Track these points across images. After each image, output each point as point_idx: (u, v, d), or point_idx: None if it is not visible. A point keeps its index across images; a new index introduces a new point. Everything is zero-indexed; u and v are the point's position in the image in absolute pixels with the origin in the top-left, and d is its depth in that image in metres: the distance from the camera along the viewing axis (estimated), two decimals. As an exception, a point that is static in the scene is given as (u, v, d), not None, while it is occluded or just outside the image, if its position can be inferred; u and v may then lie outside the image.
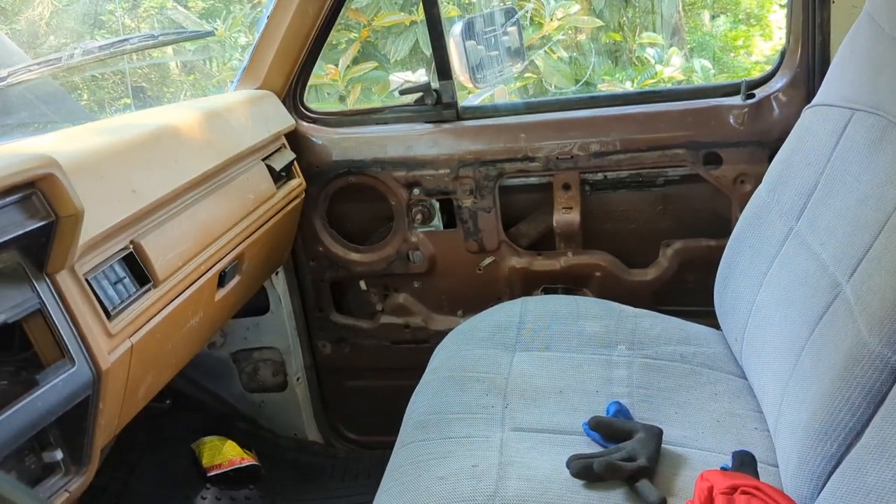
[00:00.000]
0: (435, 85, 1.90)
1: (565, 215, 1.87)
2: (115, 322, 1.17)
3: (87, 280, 1.13)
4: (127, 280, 1.22)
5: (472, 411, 1.31)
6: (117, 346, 1.17)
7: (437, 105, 1.91)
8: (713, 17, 6.27)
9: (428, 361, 1.57)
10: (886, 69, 1.14)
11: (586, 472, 1.10)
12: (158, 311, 1.30)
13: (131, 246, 1.24)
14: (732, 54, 5.95)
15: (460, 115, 1.91)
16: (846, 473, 0.91)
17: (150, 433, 1.99)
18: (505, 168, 1.88)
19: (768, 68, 1.82)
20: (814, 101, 1.37)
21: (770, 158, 1.49)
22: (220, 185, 1.55)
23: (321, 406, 2.20)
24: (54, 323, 1.05)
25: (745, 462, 1.13)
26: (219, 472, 1.93)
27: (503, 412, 1.30)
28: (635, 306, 1.62)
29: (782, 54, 1.75)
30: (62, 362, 1.06)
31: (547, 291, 1.97)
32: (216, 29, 5.43)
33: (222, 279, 1.56)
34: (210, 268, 1.47)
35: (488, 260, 1.97)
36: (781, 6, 5.84)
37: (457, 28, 1.88)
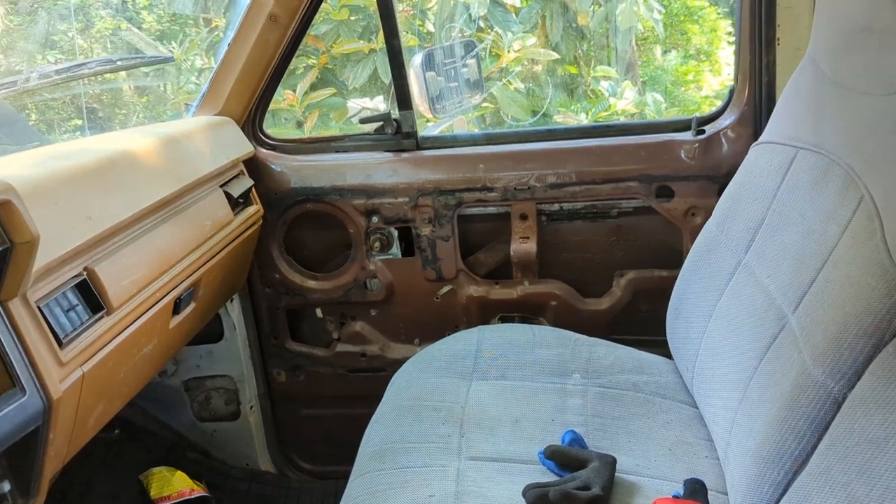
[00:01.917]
0: (395, 114, 1.92)
1: (522, 245, 1.90)
2: (67, 350, 1.15)
3: (39, 308, 1.11)
4: (80, 307, 1.20)
5: (429, 440, 1.31)
6: (69, 374, 1.15)
7: (397, 134, 1.92)
8: (665, 52, 6.46)
9: (384, 390, 1.57)
10: (828, 110, 1.20)
11: (542, 501, 1.10)
12: (111, 339, 1.27)
13: (85, 273, 1.22)
14: (683, 88, 6.12)
15: (420, 144, 1.93)
16: (792, 500, 0.94)
17: (97, 464, 1.94)
18: (464, 197, 1.90)
19: (718, 103, 1.88)
20: (760, 139, 1.42)
21: (720, 192, 1.54)
22: (178, 212, 1.53)
23: (274, 435, 2.17)
24: (5, 351, 1.02)
25: (696, 490, 1.15)
26: (168, 503, 1.89)
27: (460, 441, 1.31)
28: (590, 335, 1.64)
29: (731, 93, 1.81)
30: (13, 391, 1.03)
31: (504, 320, 1.98)
32: (173, 53, 5.40)
33: (177, 306, 1.54)
34: (165, 295, 1.45)
35: (446, 288, 1.98)
36: (730, 43, 6.04)
37: (417, 59, 1.91)
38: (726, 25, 6.24)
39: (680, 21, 6.43)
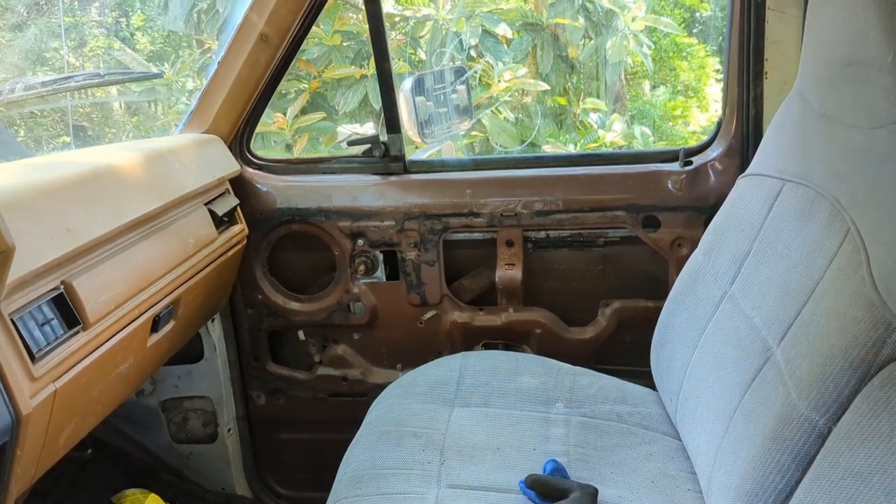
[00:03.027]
0: (383, 138, 1.91)
1: (508, 271, 1.89)
2: (40, 365, 1.12)
3: (12, 320, 1.09)
4: (55, 322, 1.17)
5: (408, 467, 1.29)
6: (40, 390, 1.12)
7: (385, 157, 1.92)
8: (653, 87, 6.54)
9: (365, 415, 1.55)
10: (815, 143, 1.20)
11: (522, 531, 1.08)
12: (86, 356, 1.25)
13: (62, 286, 1.20)
14: (671, 123, 6.18)
15: (407, 168, 1.93)
16: (776, 536, 0.93)
17: (68, 484, 1.89)
18: (450, 222, 1.89)
19: (705, 138, 1.89)
20: (747, 171, 1.42)
21: (706, 223, 1.54)
22: (160, 228, 1.51)
23: (252, 459, 2.13)
24: (-26, 364, 1.00)
25: (678, 523, 1.13)
26: (140, 527, 1.84)
27: (439, 468, 1.29)
28: (574, 364, 1.63)
29: (718, 125, 1.82)
30: (-21, 406, 1.00)
31: (487, 347, 1.97)
32: (164, 72, 5.40)
33: (156, 324, 1.51)
34: (144, 312, 1.42)
35: (430, 314, 1.96)
36: (718, 80, 6.12)
37: (407, 83, 1.91)
38: (714, 63, 6.34)
39: (669, 57, 6.52)
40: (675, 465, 1.32)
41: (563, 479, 1.23)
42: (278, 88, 1.94)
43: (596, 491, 1.19)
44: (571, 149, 5.01)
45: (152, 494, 1.91)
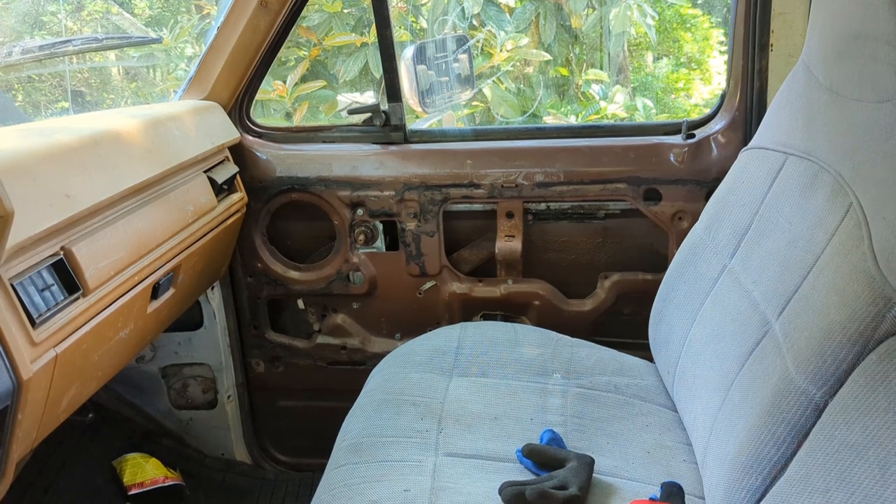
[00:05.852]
0: (384, 107, 1.90)
1: (507, 243, 1.89)
2: (40, 330, 1.13)
3: (12, 285, 1.09)
4: (55, 287, 1.17)
5: (406, 435, 1.30)
6: (41, 355, 1.13)
7: (386, 127, 1.91)
8: (656, 59, 6.47)
9: (363, 384, 1.56)
10: (819, 117, 1.19)
11: (518, 499, 1.10)
12: (87, 321, 1.25)
13: (62, 252, 1.20)
14: (673, 96, 6.14)
15: (408, 137, 1.92)
16: (770, 506, 0.94)
17: (69, 448, 1.91)
18: (450, 193, 1.88)
19: (707, 111, 1.88)
20: (750, 144, 1.42)
21: (707, 197, 1.54)
22: (160, 195, 1.51)
23: (251, 426, 2.15)
24: (-26, 329, 1.00)
25: (673, 493, 1.14)
26: (140, 490, 1.87)
27: (437, 437, 1.30)
28: (572, 336, 1.64)
29: (722, 97, 1.81)
30: (-20, 370, 1.01)
31: (486, 318, 1.97)
32: (162, 37, 5.35)
33: (156, 291, 1.52)
34: (144, 279, 1.42)
35: (429, 284, 1.97)
36: (721, 52, 6.07)
37: (409, 52, 1.89)
38: (718, 35, 6.27)
39: (673, 28, 6.45)
40: (671, 436, 1.34)
41: (559, 449, 1.24)
42: (278, 56, 1.93)
43: (592, 461, 1.20)
44: (573, 120, 4.98)
45: (153, 459, 1.94)
